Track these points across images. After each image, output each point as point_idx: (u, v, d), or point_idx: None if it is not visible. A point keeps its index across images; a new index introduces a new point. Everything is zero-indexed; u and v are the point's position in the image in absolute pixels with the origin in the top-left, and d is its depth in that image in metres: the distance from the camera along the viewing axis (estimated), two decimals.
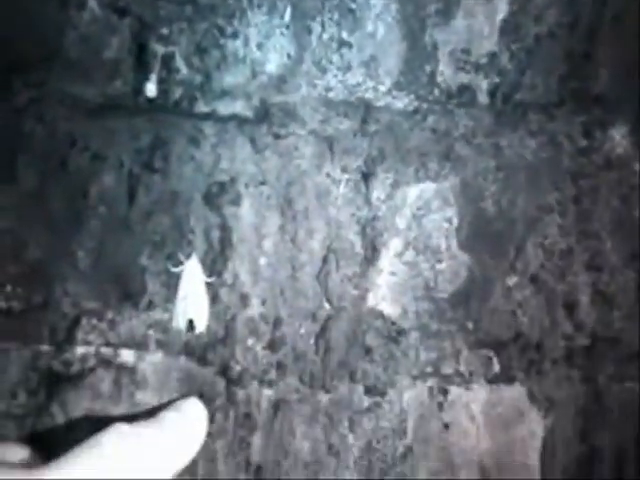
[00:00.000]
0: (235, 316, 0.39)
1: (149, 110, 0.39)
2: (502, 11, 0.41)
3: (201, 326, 0.38)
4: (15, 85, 0.38)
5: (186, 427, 0.30)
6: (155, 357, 0.38)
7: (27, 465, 0.25)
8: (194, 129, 0.39)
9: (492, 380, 0.40)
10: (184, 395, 0.37)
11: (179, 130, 0.39)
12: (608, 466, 0.40)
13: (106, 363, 0.38)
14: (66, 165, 0.39)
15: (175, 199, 0.39)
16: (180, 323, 0.38)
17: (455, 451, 0.40)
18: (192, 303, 0.38)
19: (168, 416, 0.30)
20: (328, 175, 0.40)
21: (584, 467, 0.40)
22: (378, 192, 0.40)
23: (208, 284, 0.39)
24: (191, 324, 0.38)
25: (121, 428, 0.27)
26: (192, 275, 0.38)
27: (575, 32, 0.41)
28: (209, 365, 0.39)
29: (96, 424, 0.29)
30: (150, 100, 0.39)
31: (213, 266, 0.39)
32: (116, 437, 0.27)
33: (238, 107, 0.40)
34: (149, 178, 0.39)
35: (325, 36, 0.40)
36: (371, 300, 0.40)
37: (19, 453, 0.29)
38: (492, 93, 0.41)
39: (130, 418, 0.30)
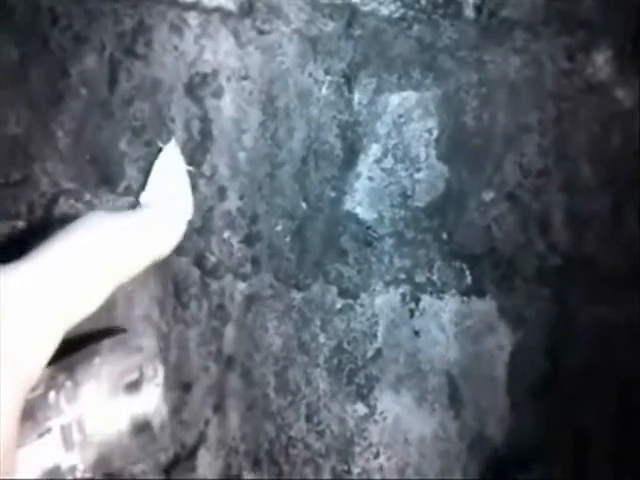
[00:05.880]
0: (212, 208, 0.39)
1: None
2: None
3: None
4: None
5: (169, 214, 0.28)
6: None
7: None
8: (178, 18, 0.39)
9: (464, 292, 0.41)
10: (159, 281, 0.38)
11: (163, 18, 0.39)
12: (574, 387, 0.41)
13: None
14: (47, 43, 0.38)
15: (156, 87, 0.39)
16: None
17: (424, 358, 0.41)
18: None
19: (150, 207, 0.28)
20: (310, 75, 0.40)
21: (550, 386, 0.41)
22: (360, 96, 0.40)
23: (188, 172, 0.39)
24: None
25: (100, 215, 0.26)
26: (170, 159, 0.38)
27: None
28: (184, 255, 0.39)
29: None
30: None
31: (192, 156, 0.39)
32: (94, 224, 0.25)
33: (222, 0, 0.40)
34: (131, 63, 0.39)
35: None
36: (348, 203, 0.40)
37: None
38: (478, 7, 0.41)
39: None
